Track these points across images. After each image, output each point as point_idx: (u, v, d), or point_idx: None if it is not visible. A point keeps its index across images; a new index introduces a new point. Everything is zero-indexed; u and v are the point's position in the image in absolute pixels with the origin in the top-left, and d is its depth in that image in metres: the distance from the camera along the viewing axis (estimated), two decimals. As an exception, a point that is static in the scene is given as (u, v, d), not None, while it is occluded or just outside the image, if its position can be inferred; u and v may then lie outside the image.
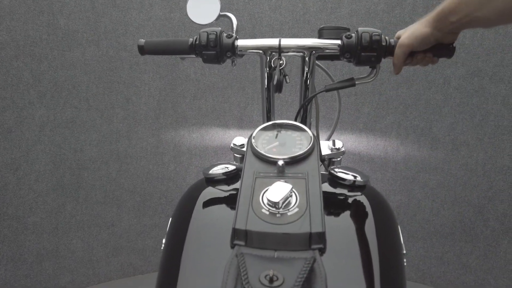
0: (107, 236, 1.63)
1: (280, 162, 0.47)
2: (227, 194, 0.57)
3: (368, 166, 1.58)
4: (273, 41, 0.69)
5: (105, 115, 1.51)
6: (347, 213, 0.52)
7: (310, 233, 0.39)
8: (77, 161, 1.51)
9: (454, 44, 0.62)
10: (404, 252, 0.54)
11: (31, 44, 1.32)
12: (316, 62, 0.75)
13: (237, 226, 0.40)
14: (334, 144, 0.80)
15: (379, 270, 0.44)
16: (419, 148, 1.51)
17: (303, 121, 0.76)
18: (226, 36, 0.68)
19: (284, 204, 0.42)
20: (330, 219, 0.50)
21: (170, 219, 0.59)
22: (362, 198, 0.56)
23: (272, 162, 0.49)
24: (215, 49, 0.67)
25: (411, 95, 1.45)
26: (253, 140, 0.53)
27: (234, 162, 0.70)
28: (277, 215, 0.41)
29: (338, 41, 0.66)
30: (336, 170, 0.62)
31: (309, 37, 0.69)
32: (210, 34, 0.67)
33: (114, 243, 1.66)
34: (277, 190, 0.42)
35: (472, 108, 1.41)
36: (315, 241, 0.39)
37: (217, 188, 0.59)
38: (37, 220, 1.48)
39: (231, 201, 0.54)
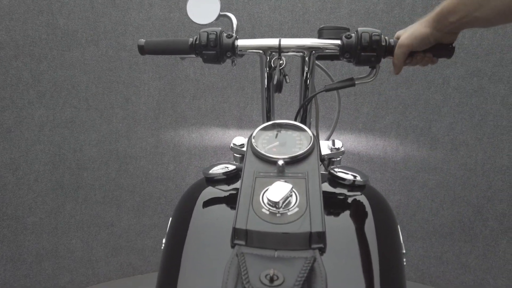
0: (106, 236, 1.63)
1: (280, 162, 0.47)
2: (227, 194, 0.57)
3: (368, 166, 1.58)
4: (273, 41, 0.69)
5: (105, 115, 1.51)
6: (347, 212, 0.52)
7: (310, 233, 0.39)
8: (77, 161, 1.51)
9: (453, 44, 0.62)
10: (404, 251, 0.54)
11: (30, 44, 1.32)
12: (316, 62, 0.75)
13: (237, 226, 0.40)
14: (333, 144, 0.80)
15: (378, 269, 0.44)
16: (419, 148, 1.51)
17: (303, 121, 0.76)
18: (226, 36, 0.68)
19: (284, 204, 0.42)
20: (330, 219, 0.50)
21: (170, 219, 0.59)
22: (361, 198, 0.56)
23: (272, 162, 0.49)
24: (215, 49, 0.67)
25: (411, 95, 1.46)
26: (253, 140, 0.53)
27: (234, 162, 0.71)
28: (277, 214, 0.41)
29: (338, 41, 0.66)
30: (336, 170, 0.62)
31: (308, 37, 0.69)
32: (210, 34, 0.67)
33: (114, 243, 1.65)
34: (277, 190, 0.42)
35: (471, 108, 1.41)
36: (315, 240, 0.39)
37: (217, 188, 0.59)
38: (37, 220, 1.48)
39: (231, 201, 0.54)
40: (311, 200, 0.42)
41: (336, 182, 0.60)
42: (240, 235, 0.40)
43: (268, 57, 0.71)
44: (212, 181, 0.61)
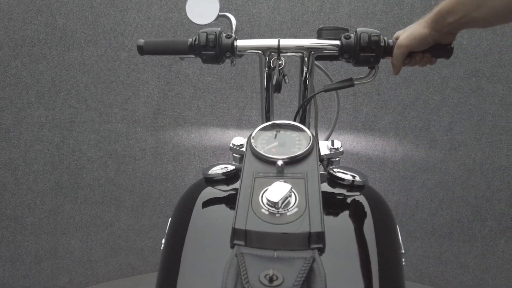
0: (105, 236, 1.63)
1: (280, 162, 0.47)
2: (226, 194, 0.57)
3: (367, 166, 1.58)
4: (272, 42, 0.69)
5: (104, 115, 1.51)
6: (346, 213, 0.52)
7: (309, 233, 0.39)
8: (76, 161, 1.51)
9: (452, 45, 0.62)
10: (403, 251, 0.54)
11: (29, 44, 1.32)
12: (315, 62, 0.75)
13: (236, 226, 0.40)
14: (333, 144, 0.80)
15: (378, 269, 0.44)
16: (417, 148, 1.51)
17: (302, 121, 0.76)
18: (225, 36, 0.68)
19: (284, 204, 0.42)
20: (329, 219, 0.50)
21: (170, 219, 0.59)
22: (361, 198, 0.56)
23: (272, 162, 0.49)
24: (214, 49, 0.67)
25: (409, 95, 1.46)
26: (252, 140, 0.53)
27: (233, 162, 0.71)
28: (277, 215, 0.41)
29: (337, 42, 0.67)
30: (335, 170, 0.62)
31: (308, 37, 0.69)
32: (210, 34, 0.67)
33: (113, 243, 1.65)
34: (277, 190, 0.42)
35: (470, 108, 1.41)
36: (314, 240, 0.39)
37: (216, 188, 0.59)
38: (36, 220, 1.48)
39: (230, 201, 0.55)
40: (310, 200, 0.42)
41: (335, 182, 0.60)
42: (240, 236, 0.40)
43: (267, 58, 0.71)
44: (212, 181, 0.61)
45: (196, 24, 0.76)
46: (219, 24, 0.70)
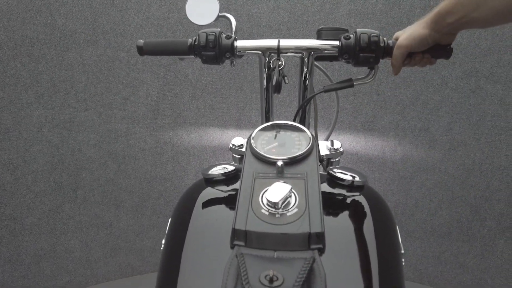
0: (105, 236, 1.63)
1: (280, 163, 0.47)
2: (226, 194, 0.57)
3: (366, 166, 1.59)
4: (272, 42, 0.69)
5: (103, 115, 1.51)
6: (346, 213, 0.52)
7: (309, 233, 0.39)
8: (75, 161, 1.51)
9: (451, 45, 0.62)
10: (403, 252, 0.54)
11: (28, 44, 1.32)
12: (315, 62, 0.75)
13: (236, 227, 0.40)
14: (332, 144, 0.80)
15: (377, 270, 0.44)
16: (417, 148, 1.51)
17: (302, 122, 0.76)
18: (225, 37, 0.68)
19: (284, 205, 0.42)
20: (329, 219, 0.50)
21: (170, 219, 0.59)
22: (360, 199, 0.56)
23: (272, 163, 0.49)
24: (214, 50, 0.67)
25: (409, 96, 1.46)
26: (252, 141, 0.53)
27: (233, 163, 0.71)
28: (277, 215, 0.41)
29: (337, 42, 0.67)
30: (334, 170, 0.62)
31: (307, 38, 0.69)
32: (209, 35, 0.67)
33: (112, 244, 1.65)
34: (277, 191, 0.42)
35: (469, 108, 1.42)
36: (314, 241, 0.39)
37: (216, 188, 0.59)
38: (35, 220, 1.48)
39: (230, 201, 0.55)
40: (310, 201, 0.43)
41: (335, 183, 0.60)
42: (240, 236, 0.40)
43: (267, 58, 0.71)
44: (211, 182, 0.61)
45: (195, 24, 0.76)
46: (219, 24, 0.70)
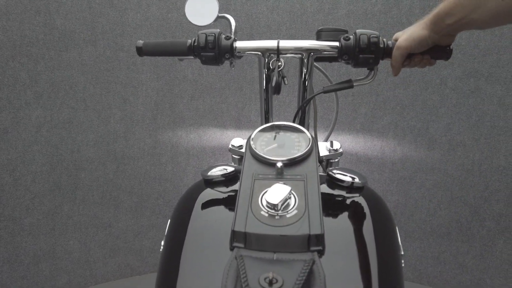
0: (104, 237, 1.63)
1: (279, 164, 0.47)
2: (225, 196, 0.57)
3: (366, 167, 1.59)
4: (271, 43, 0.69)
5: (102, 116, 1.51)
6: (346, 214, 0.52)
7: (309, 235, 0.39)
8: (74, 161, 1.50)
9: (451, 46, 0.62)
10: (402, 253, 0.54)
11: (27, 44, 1.31)
12: (314, 63, 0.75)
13: (236, 228, 0.40)
14: (332, 145, 0.80)
15: (377, 271, 0.44)
16: (416, 148, 1.51)
17: (301, 123, 0.76)
18: (224, 37, 0.68)
19: (283, 206, 0.42)
20: (328, 221, 0.50)
21: (169, 220, 0.59)
22: (360, 200, 0.56)
23: (271, 164, 0.49)
24: (213, 50, 0.67)
25: (408, 96, 1.46)
26: (251, 142, 0.53)
27: (233, 164, 0.71)
28: (276, 217, 0.41)
29: (336, 43, 0.67)
30: (334, 171, 0.62)
31: (307, 38, 0.69)
32: (209, 35, 0.67)
33: (111, 244, 1.65)
34: (276, 192, 0.42)
35: (469, 108, 1.42)
36: (314, 243, 0.39)
37: (215, 190, 0.59)
38: (34, 221, 1.47)
39: (230, 203, 0.54)
40: (310, 202, 0.42)
41: (334, 184, 0.60)
42: (239, 238, 0.40)
43: (266, 59, 0.71)
44: (211, 183, 0.61)
45: (195, 25, 0.76)
46: (218, 25, 0.70)
